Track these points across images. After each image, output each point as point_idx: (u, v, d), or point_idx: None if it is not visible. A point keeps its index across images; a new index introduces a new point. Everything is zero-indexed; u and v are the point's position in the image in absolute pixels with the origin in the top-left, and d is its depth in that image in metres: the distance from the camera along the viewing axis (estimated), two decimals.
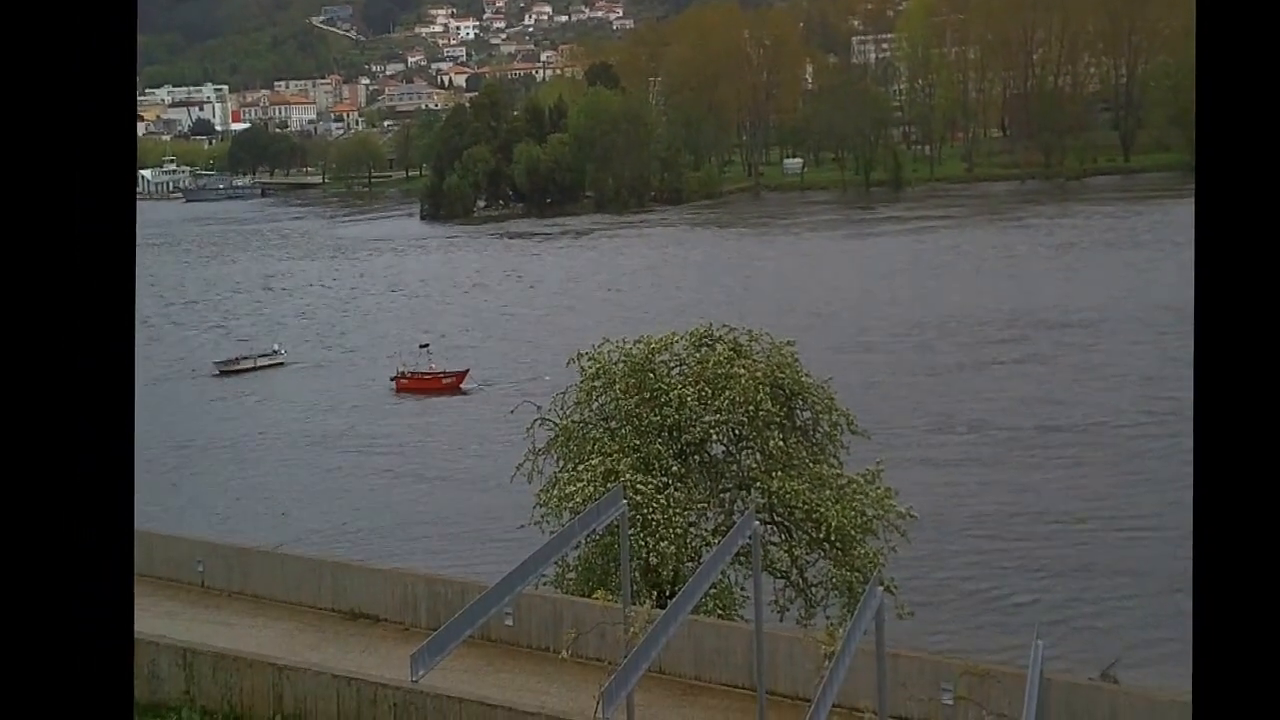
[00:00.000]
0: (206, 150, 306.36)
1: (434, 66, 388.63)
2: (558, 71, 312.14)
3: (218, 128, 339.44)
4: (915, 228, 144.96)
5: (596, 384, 33.81)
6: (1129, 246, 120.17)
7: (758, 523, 24.14)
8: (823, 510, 31.36)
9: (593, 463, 31.94)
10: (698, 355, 33.93)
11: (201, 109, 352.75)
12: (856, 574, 30.97)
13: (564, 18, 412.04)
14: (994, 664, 27.25)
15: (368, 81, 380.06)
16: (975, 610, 42.66)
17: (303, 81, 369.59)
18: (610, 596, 28.19)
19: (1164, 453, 55.37)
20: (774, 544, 32.39)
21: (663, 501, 31.25)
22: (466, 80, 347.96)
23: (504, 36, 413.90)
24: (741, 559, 28.81)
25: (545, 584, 31.45)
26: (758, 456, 33.00)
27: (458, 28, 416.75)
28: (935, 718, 25.86)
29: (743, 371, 32.57)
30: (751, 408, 32.12)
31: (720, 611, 31.28)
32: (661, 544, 30.83)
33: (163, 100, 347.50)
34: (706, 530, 32.76)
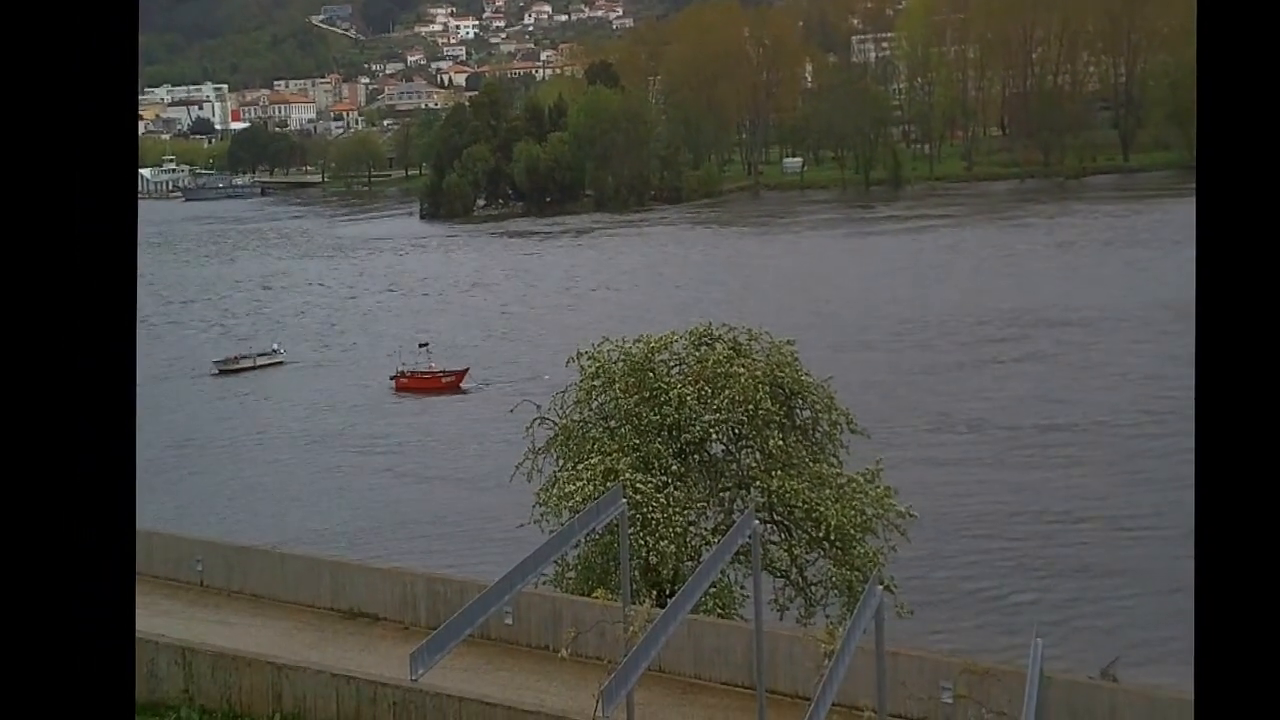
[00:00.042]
0: (206, 149, 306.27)
1: (434, 65, 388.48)
2: (557, 70, 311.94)
3: (217, 127, 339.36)
4: (915, 226, 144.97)
5: (596, 383, 33.80)
6: (1128, 245, 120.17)
7: (757, 522, 24.15)
8: (822, 509, 31.36)
9: (592, 462, 31.94)
10: (697, 354, 33.94)
11: (201, 108, 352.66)
12: (856, 573, 30.97)
13: (564, 17, 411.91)
14: (994, 663, 27.24)
15: (367, 81, 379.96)
16: (975, 609, 42.67)
17: (302, 81, 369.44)
18: (610, 595, 28.19)
19: (1164, 452, 55.37)
20: (774, 543, 32.39)
21: (662, 500, 31.25)
22: (466, 79, 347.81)
23: (504, 35, 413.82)
24: (741, 558, 28.82)
25: (545, 583, 31.46)
26: (757, 455, 33.00)
27: (457, 27, 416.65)
28: (935, 716, 25.86)
29: (742, 370, 32.57)
30: (751, 407, 32.12)
31: (720, 610, 31.28)
32: (661, 543, 30.83)
33: (162, 99, 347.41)
34: (706, 529, 32.76)
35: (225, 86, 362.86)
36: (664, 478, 32.16)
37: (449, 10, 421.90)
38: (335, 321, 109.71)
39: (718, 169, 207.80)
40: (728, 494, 33.59)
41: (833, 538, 31.50)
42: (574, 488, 31.35)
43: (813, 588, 32.84)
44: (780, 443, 32.23)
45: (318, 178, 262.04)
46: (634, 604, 23.36)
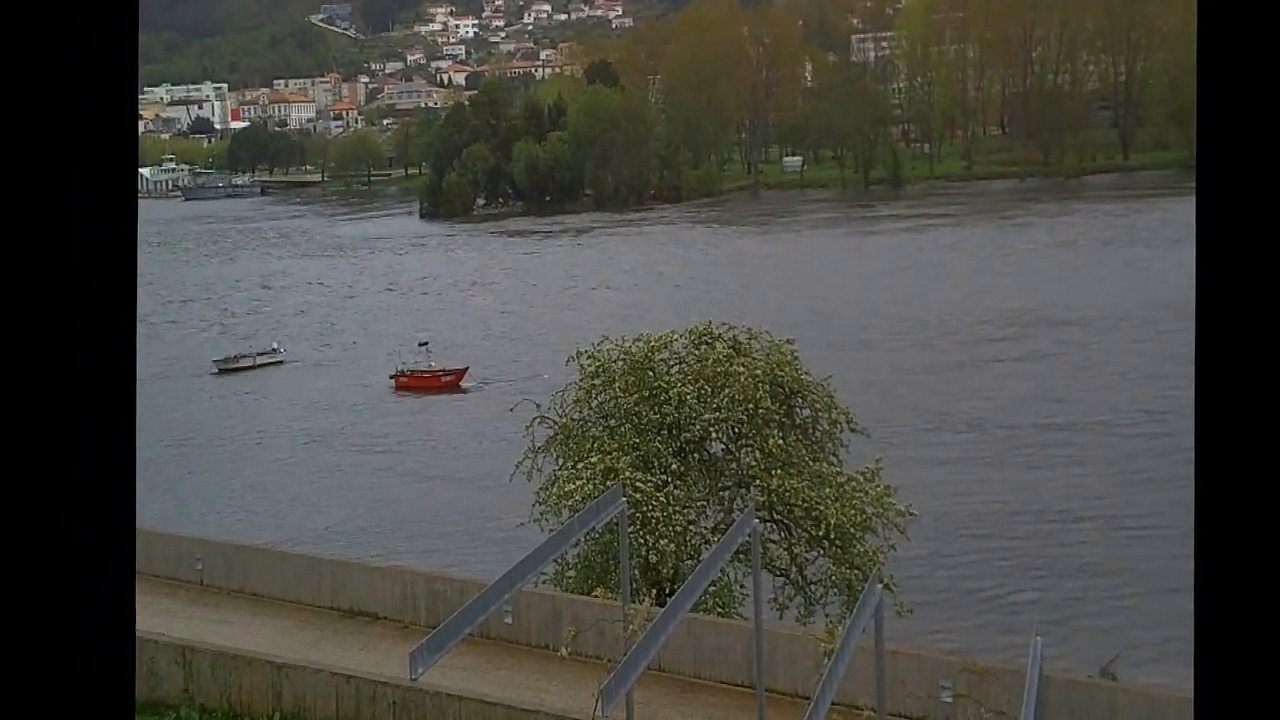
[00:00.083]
0: (205, 148, 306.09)
1: (433, 65, 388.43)
2: (557, 70, 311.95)
3: (217, 126, 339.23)
4: (914, 226, 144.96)
5: (596, 382, 33.80)
6: (1128, 244, 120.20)
7: (757, 520, 24.16)
8: (822, 508, 31.37)
9: (592, 461, 31.94)
10: (697, 353, 33.94)
11: (200, 107, 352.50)
12: (856, 572, 30.98)
13: (563, 16, 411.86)
14: (993, 662, 27.24)
15: (367, 80, 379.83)
16: (974, 609, 42.68)
17: (302, 80, 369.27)
18: (609, 594, 28.17)
19: (1163, 451, 55.38)
20: (773, 542, 32.39)
21: (662, 499, 31.26)
22: (466, 78, 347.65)
23: (503, 35, 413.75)
24: (741, 557, 28.82)
25: (544, 582, 31.46)
26: (757, 454, 33.00)
27: (457, 26, 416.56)
28: (934, 715, 25.86)
29: (742, 369, 32.58)
30: (751, 406, 32.13)
31: (720, 609, 31.30)
32: (661, 542, 30.84)
33: (161, 99, 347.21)
34: (706, 528, 32.77)
35: (225, 86, 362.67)
36: (664, 476, 32.17)
37: (448, 9, 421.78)
38: (335, 321, 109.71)
39: (717, 168, 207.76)
40: (727, 493, 33.61)
41: (832, 536, 31.51)
42: (574, 486, 31.36)
43: (812, 586, 32.85)
44: (780, 441, 32.24)
45: (317, 177, 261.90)
46: (634, 603, 23.36)
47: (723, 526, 31.53)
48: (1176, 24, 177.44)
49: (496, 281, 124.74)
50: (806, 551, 32.76)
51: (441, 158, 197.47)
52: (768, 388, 32.41)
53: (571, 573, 33.17)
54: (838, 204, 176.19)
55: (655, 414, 32.68)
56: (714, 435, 33.69)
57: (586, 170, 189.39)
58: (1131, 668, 33.10)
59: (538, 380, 64.16)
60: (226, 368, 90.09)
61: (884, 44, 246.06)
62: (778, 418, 32.73)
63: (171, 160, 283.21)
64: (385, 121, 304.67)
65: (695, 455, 33.68)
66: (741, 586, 31.88)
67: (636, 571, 30.00)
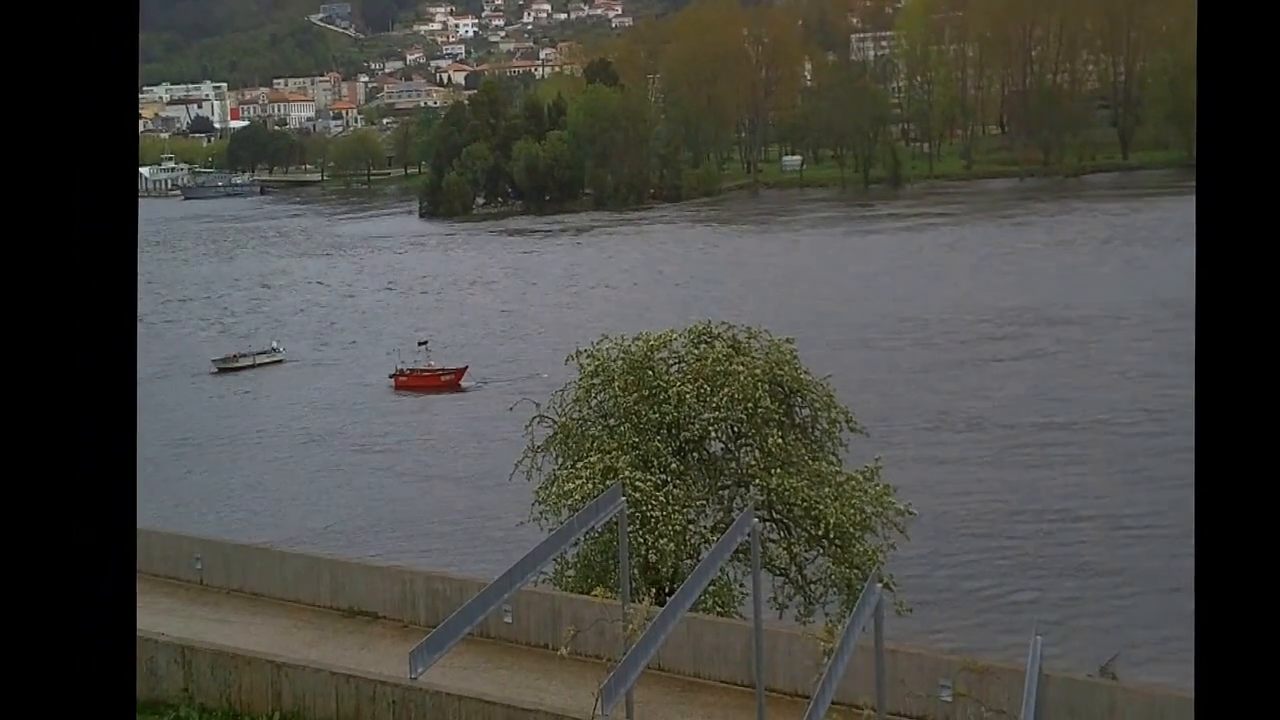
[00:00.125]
0: (205, 148, 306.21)
1: (433, 64, 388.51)
2: (556, 69, 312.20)
3: (216, 125, 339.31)
4: (914, 225, 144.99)
5: (595, 381, 33.80)
6: (1127, 243, 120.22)
7: (756, 520, 24.16)
8: (821, 507, 31.36)
9: (591, 460, 31.93)
10: (696, 352, 33.93)
11: (200, 106, 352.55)
12: (855, 571, 30.98)
13: (563, 15, 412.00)
14: (993, 661, 27.24)
15: (366, 79, 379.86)
16: (974, 608, 42.69)
17: (301, 79, 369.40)
18: (609, 593, 28.17)
19: (1163, 450, 55.39)
20: (773, 541, 32.39)
21: (661, 499, 31.25)
22: (465, 78, 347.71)
23: (503, 34, 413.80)
24: (740, 556, 28.82)
25: (544, 581, 31.45)
26: (756, 454, 32.99)
27: (456, 25, 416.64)
28: (934, 714, 25.86)
29: (741, 369, 32.57)
30: (750, 405, 32.12)
31: (719, 608, 31.28)
32: (660, 541, 30.84)
33: (161, 98, 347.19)
34: (705, 527, 32.76)
35: (224, 85, 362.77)
36: (663, 476, 32.16)
37: (448, 9, 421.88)
38: (334, 320, 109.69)
39: (717, 167, 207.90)
40: (727, 492, 33.60)
41: (832, 536, 31.50)
42: (573, 486, 31.35)
43: (812, 586, 32.85)
44: (779, 441, 32.23)
45: (317, 176, 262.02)
46: (633, 602, 23.36)
47: (722, 526, 31.52)
48: (1176, 24, 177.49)
49: (496, 280, 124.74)
50: (806, 551, 32.75)
51: (441, 157, 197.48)
52: (767, 387, 32.40)
53: (571, 572, 33.16)
54: (837, 203, 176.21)
55: (654, 413, 32.67)
56: (713, 434, 33.69)
57: (586, 169, 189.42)
58: (1131, 667, 33.09)
59: (537, 379, 64.16)
60: (226, 367, 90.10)
61: (883, 43, 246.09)
62: (777, 417, 32.73)
63: (171, 159, 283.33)
64: (385, 121, 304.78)
65: (695, 454, 33.67)
66: (741, 586, 31.88)
67: (636, 571, 30.00)
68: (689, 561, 30.89)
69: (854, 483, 32.30)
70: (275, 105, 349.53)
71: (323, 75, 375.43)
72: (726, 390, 32.30)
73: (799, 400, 33.77)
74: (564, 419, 34.09)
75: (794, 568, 32.85)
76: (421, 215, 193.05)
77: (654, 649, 17.84)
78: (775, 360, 33.34)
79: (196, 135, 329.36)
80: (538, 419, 34.56)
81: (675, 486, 32.06)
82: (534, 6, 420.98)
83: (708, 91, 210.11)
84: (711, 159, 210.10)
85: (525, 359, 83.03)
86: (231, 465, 66.56)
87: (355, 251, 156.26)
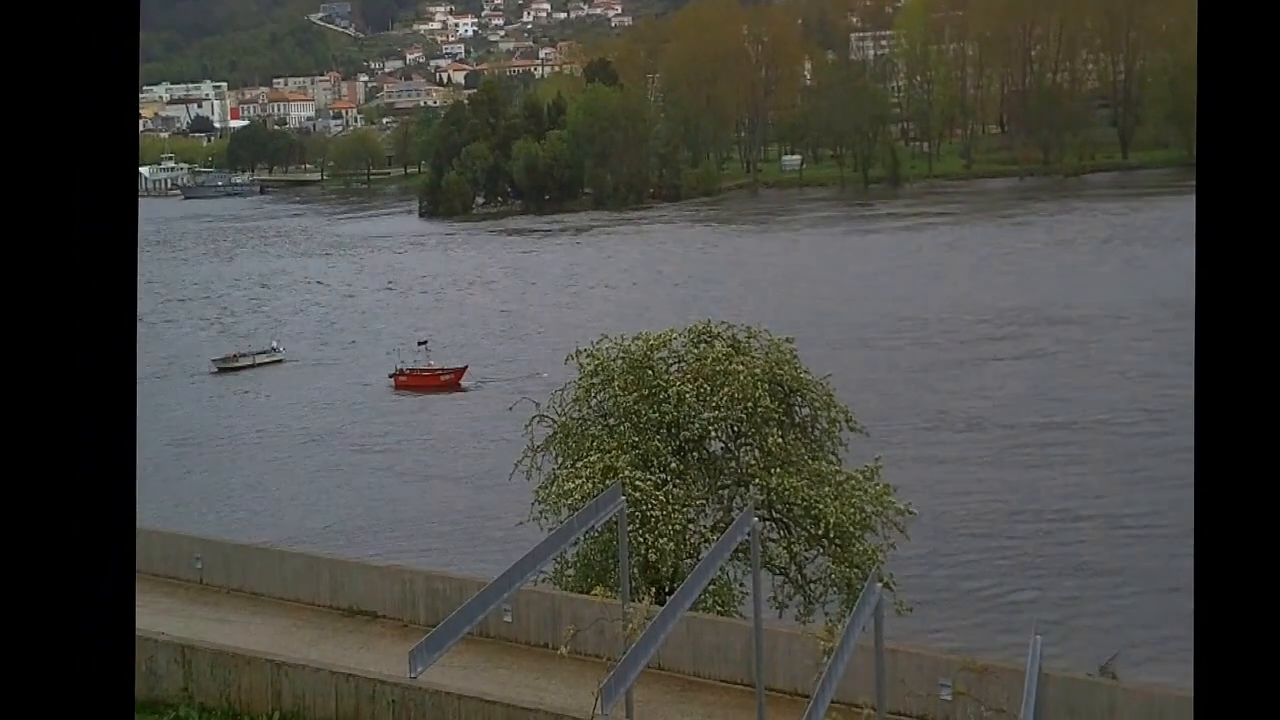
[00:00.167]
0: (205, 147, 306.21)
1: (432, 63, 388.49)
2: (556, 68, 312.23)
3: (216, 125, 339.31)
4: (914, 224, 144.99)
5: (595, 381, 33.80)
6: (1127, 243, 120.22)
7: (756, 519, 24.15)
8: (821, 507, 31.36)
9: (591, 459, 31.93)
10: (696, 352, 33.94)
11: (200, 106, 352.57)
12: (855, 570, 30.98)
13: (562, 15, 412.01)
14: (992, 660, 27.24)
15: (366, 79, 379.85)
16: (974, 608, 42.68)
17: (301, 79, 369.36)
18: (609, 593, 28.19)
19: (1163, 450, 55.39)
20: (773, 540, 32.38)
21: (661, 498, 31.25)
22: (465, 77, 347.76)
23: (502, 33, 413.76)
24: (740, 555, 28.82)
25: (544, 580, 31.45)
26: (756, 453, 33.00)
27: (456, 25, 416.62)
28: (934, 713, 25.86)
29: (741, 368, 32.57)
30: (750, 404, 32.13)
31: (719, 608, 31.28)
32: (660, 540, 30.84)
33: (161, 97, 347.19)
34: (705, 527, 32.77)
35: (224, 84, 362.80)
36: (663, 475, 32.17)
37: (448, 8, 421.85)
38: (334, 319, 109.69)
39: (716, 167, 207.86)
40: (727, 491, 33.61)
41: (832, 535, 31.51)
42: (573, 485, 31.35)
43: (812, 585, 32.85)
44: (779, 440, 32.24)
45: (317, 176, 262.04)
46: (633, 601, 23.37)
47: (722, 525, 31.53)
48: (1176, 23, 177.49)
49: (495, 280, 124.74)
50: (806, 550, 32.75)
51: (441, 156, 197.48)
52: (767, 386, 32.40)
53: (571, 571, 33.17)
54: (837, 202, 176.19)
55: (654, 412, 32.68)
56: (713, 434, 33.69)
57: (585, 169, 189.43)
58: (1131, 667, 33.09)
59: (537, 379, 64.18)
60: (225, 367, 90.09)
61: (883, 42, 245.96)
62: (777, 416, 32.74)
63: (171, 159, 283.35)
64: (384, 120, 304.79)
65: (694, 454, 33.68)
66: (741, 585, 31.88)
67: (636, 570, 30.00)
68: (689, 561, 30.90)
69: (854, 482, 32.30)
70: (275, 105, 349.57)
71: (322, 75, 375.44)
72: (726, 390, 32.30)
73: (799, 400, 33.78)
74: (563, 418, 34.09)
75: (794, 567, 32.85)
76: (421, 215, 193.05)
77: (654, 648, 17.84)
78: (775, 360, 33.35)
79: (196, 135, 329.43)
80: (537, 418, 34.57)
81: (675, 486, 32.06)
82: (533, 6, 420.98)
83: (707, 91, 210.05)
84: (711, 158, 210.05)
85: (525, 359, 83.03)
86: (231, 465, 66.55)
87: (355, 251, 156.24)
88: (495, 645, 29.84)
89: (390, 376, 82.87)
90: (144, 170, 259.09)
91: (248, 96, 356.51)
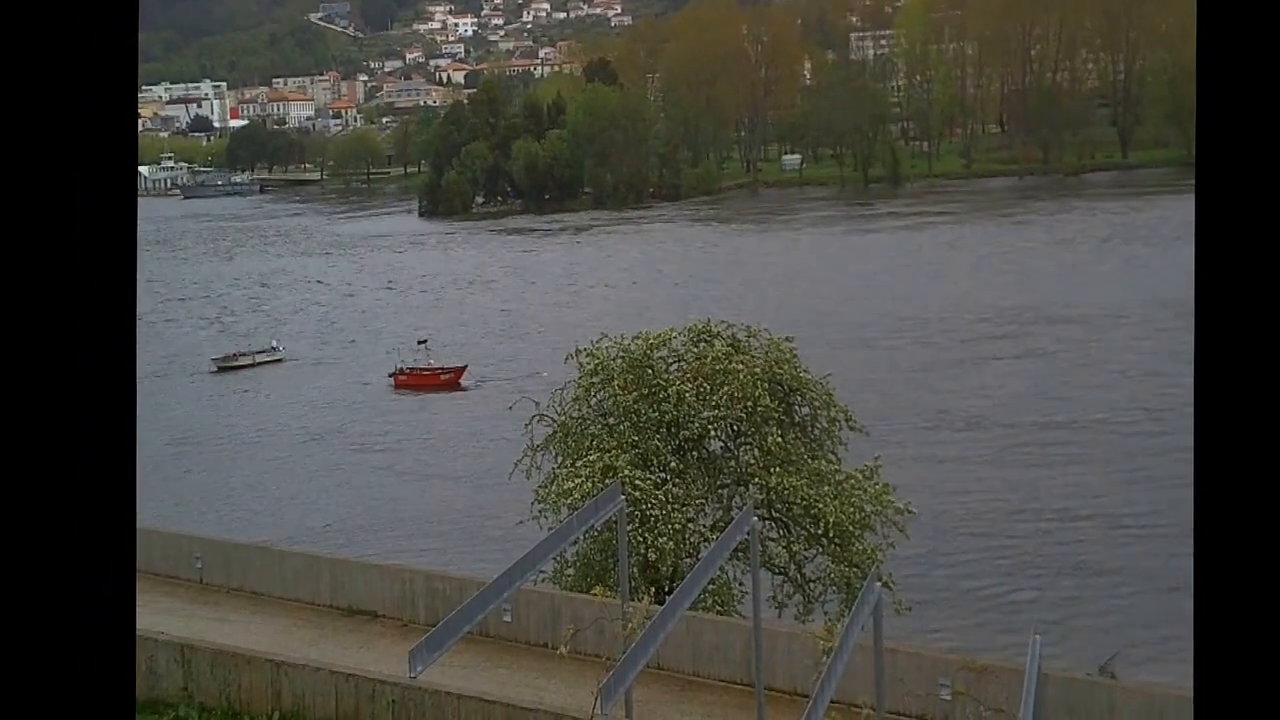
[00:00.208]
0: (205, 147, 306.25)
1: (432, 63, 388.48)
2: (556, 68, 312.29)
3: (216, 124, 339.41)
4: (913, 224, 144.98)
5: (594, 380, 33.80)
6: (1127, 242, 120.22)
7: (756, 518, 24.15)
8: (821, 506, 31.36)
9: (591, 459, 31.92)
10: (696, 351, 33.93)
11: (199, 106, 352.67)
12: (854, 570, 30.98)
13: (562, 14, 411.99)
14: (992, 660, 27.24)
15: (366, 78, 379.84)
16: (973, 608, 42.68)
17: (301, 78, 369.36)
18: (608, 592, 28.18)
19: (1163, 450, 55.39)
20: (772, 540, 32.39)
21: (661, 497, 31.25)
22: (465, 77, 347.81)
23: (502, 33, 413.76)
24: (740, 555, 28.80)
25: (543, 580, 31.45)
26: (756, 452, 33.00)
27: (456, 24, 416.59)
28: (933, 713, 25.87)
29: (741, 367, 32.58)
30: (750, 404, 32.13)
31: (718, 607, 31.28)
32: (660, 540, 30.83)
33: (160, 97, 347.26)
34: (705, 526, 32.77)
35: (224, 84, 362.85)
36: (662, 474, 32.17)
37: (447, 8, 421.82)
38: (334, 319, 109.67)
39: (716, 166, 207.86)
40: (726, 491, 33.60)
41: (831, 534, 31.51)
42: (573, 485, 31.34)
43: (811, 584, 32.85)
44: (779, 439, 32.24)
45: (316, 175, 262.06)
46: (632, 601, 23.37)
47: (721, 524, 31.52)
48: (1175, 23, 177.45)
49: (495, 279, 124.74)
50: (805, 549, 32.75)
51: (440, 156, 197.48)
52: (766, 385, 32.41)
53: (570, 571, 33.16)
54: (836, 202, 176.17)
55: (654, 412, 32.67)
56: (713, 433, 33.69)
57: (585, 168, 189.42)
58: (1131, 666, 33.09)
59: (536, 378, 64.18)
60: (225, 366, 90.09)
61: (883, 42, 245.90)
62: (776, 415, 32.74)
63: (170, 158, 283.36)
64: (384, 120, 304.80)
65: (694, 453, 33.67)
66: (740, 584, 31.88)
67: (635, 569, 30.00)
68: (688, 560, 30.90)
69: (853, 481, 32.31)
70: (274, 104, 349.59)
71: (322, 74, 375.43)
72: (726, 389, 32.30)
73: (798, 399, 33.79)
74: (563, 418, 34.09)
75: (793, 566, 32.85)
76: (421, 214, 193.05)
77: (653, 648, 17.84)
78: (775, 359, 33.35)
79: (196, 134, 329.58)
80: (537, 418, 34.57)
81: (674, 485, 32.07)
82: (533, 5, 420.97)
83: (707, 91, 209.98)
84: (711, 158, 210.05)
85: (525, 358, 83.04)
86: (231, 464, 66.54)
87: (355, 250, 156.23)
88: (495, 645, 29.85)
89: (390, 376, 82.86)
90: (144, 170, 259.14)
91: (247, 96, 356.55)
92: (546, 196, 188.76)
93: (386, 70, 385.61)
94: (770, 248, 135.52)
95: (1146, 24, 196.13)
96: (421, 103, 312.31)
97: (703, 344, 34.11)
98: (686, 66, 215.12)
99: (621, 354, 33.80)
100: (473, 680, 27.28)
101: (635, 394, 32.87)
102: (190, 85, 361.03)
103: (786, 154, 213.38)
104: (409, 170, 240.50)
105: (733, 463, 33.92)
